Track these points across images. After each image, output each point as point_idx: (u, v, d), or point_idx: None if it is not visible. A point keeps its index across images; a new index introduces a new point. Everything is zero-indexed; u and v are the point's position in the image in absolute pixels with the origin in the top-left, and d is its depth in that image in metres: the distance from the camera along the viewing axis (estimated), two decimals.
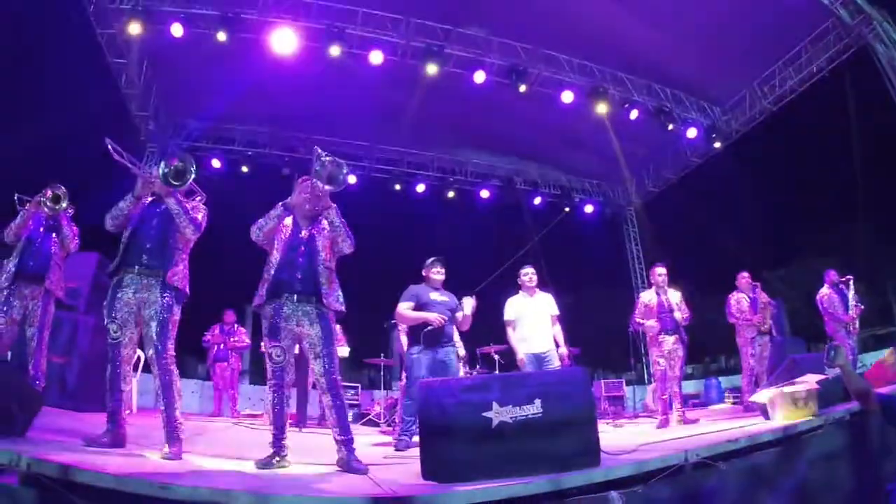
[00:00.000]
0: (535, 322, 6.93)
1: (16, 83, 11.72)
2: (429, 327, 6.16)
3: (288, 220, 4.59)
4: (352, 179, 14.43)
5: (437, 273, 6.55)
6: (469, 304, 6.52)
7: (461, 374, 8.73)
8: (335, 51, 10.64)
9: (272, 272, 4.40)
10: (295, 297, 4.33)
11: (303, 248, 4.47)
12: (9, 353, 5.62)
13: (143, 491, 2.89)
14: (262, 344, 4.46)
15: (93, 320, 7.89)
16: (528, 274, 7.22)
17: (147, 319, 4.34)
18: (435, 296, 6.43)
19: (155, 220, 4.59)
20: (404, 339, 8.29)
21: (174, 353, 4.42)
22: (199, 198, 4.96)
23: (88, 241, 6.47)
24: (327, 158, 4.50)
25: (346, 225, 4.56)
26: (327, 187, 4.46)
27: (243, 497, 2.94)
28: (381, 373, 10.84)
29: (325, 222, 4.59)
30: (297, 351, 4.52)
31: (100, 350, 7.80)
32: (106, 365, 4.37)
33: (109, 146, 4.68)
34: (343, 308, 4.51)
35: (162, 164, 4.59)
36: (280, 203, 4.63)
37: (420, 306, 6.32)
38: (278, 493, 3.07)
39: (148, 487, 2.90)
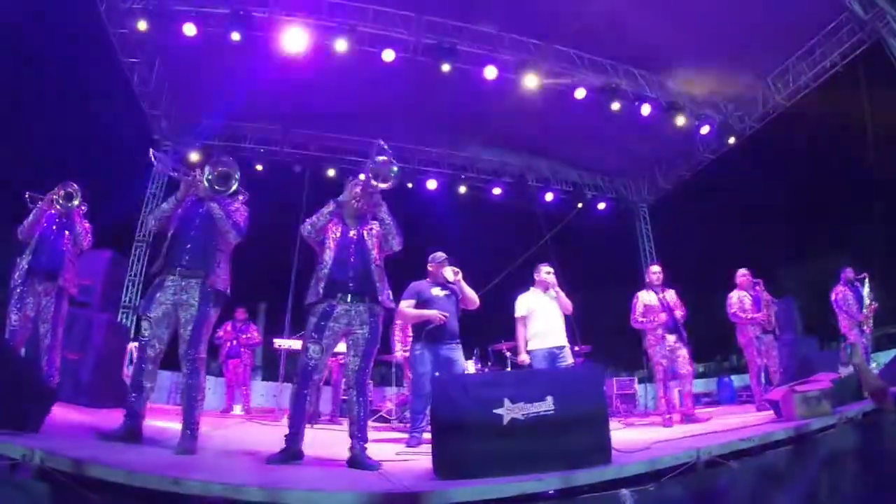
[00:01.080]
0: (549, 318, 6.91)
1: (28, 82, 11.80)
2: (430, 325, 6.16)
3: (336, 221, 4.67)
4: (363, 177, 14.41)
5: (444, 270, 6.53)
6: (450, 271, 6.51)
7: (471, 370, 8.75)
8: (346, 48, 10.64)
9: (325, 271, 4.46)
10: (349, 296, 4.39)
11: (353, 248, 4.54)
12: (23, 350, 5.66)
13: (156, 486, 2.90)
14: (279, 342, 4.51)
15: (106, 317, 7.94)
16: (550, 273, 7.18)
17: (184, 321, 4.39)
18: (437, 291, 6.42)
19: (197, 221, 4.65)
20: (398, 336, 8.28)
21: (205, 356, 4.46)
22: (241, 197, 4.99)
23: (101, 238, 6.51)
24: (382, 158, 4.56)
25: (395, 221, 4.63)
26: (380, 185, 4.51)
27: (255, 492, 2.95)
28: (393, 369, 10.85)
29: (372, 221, 4.67)
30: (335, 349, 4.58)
31: (113, 347, 7.89)
32: (122, 361, 4.42)
33: (153, 157, 4.75)
34: (393, 305, 4.60)
35: (207, 169, 4.64)
36: (332, 200, 4.70)
37: (422, 303, 6.32)
38: (290, 487, 3.08)
39: (160, 482, 2.91)
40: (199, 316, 4.41)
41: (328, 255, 4.51)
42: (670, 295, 7.94)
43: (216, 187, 4.62)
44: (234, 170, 4.71)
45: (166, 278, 4.46)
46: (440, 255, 6.59)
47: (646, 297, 7.97)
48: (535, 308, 7.00)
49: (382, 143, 4.64)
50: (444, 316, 6.16)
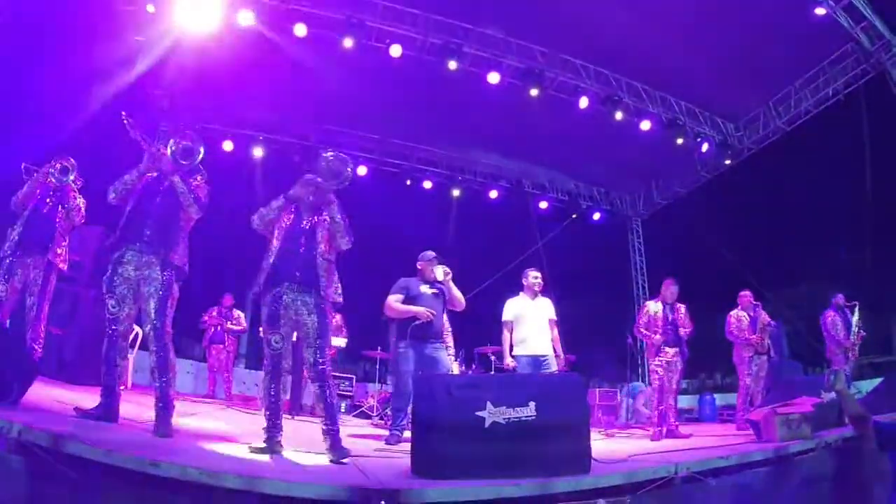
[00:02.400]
0: (535, 324, 6.92)
1: (31, 53, 11.72)
2: (416, 321, 6.12)
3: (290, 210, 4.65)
4: (361, 171, 14.45)
5: (433, 269, 6.52)
6: (441, 270, 6.50)
7: (455, 371, 8.74)
8: (352, 42, 10.63)
9: (271, 260, 4.45)
10: (295, 286, 4.37)
11: (303, 239, 4.51)
12: (7, 322, 5.63)
13: (133, 466, 2.89)
14: (261, 329, 4.49)
15: (94, 294, 7.90)
16: (537, 278, 7.20)
17: (146, 296, 4.36)
18: (425, 289, 6.39)
19: (158, 198, 4.61)
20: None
21: (171, 331, 4.44)
22: (200, 176, 4.96)
23: (94, 215, 6.47)
24: (330, 155, 4.56)
25: (346, 221, 4.61)
26: (330, 183, 4.50)
27: (232, 478, 2.95)
28: (377, 366, 10.84)
29: (325, 214, 4.62)
30: (294, 339, 4.55)
31: (99, 324, 7.82)
32: (103, 339, 4.39)
33: (124, 119, 4.71)
34: (341, 299, 4.58)
35: (171, 142, 4.62)
36: (282, 195, 4.68)
37: (409, 299, 6.28)
38: (267, 476, 3.07)
39: (138, 463, 2.90)
40: (162, 291, 4.39)
41: (275, 245, 4.50)
42: (681, 310, 7.97)
43: (179, 161, 4.61)
44: (198, 144, 4.70)
45: (125, 253, 4.43)
46: (430, 253, 6.59)
47: (653, 309, 7.97)
48: (522, 314, 7.01)
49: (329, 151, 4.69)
50: (431, 314, 6.15)
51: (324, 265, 4.46)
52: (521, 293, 7.22)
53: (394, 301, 6.31)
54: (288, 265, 4.41)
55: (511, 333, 7.03)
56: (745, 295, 9.04)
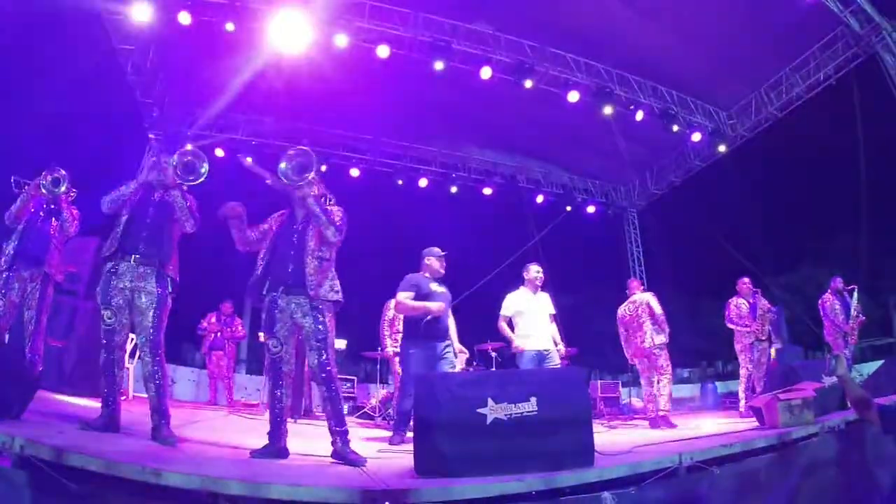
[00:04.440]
0: (537, 319, 6.89)
1: (20, 65, 11.69)
2: (429, 317, 6.02)
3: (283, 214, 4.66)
4: (354, 172, 14.48)
5: (442, 267, 6.43)
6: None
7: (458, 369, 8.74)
8: (342, 43, 10.60)
9: (264, 266, 4.45)
10: (289, 289, 4.34)
11: (294, 239, 4.46)
12: (6, 336, 5.62)
13: (136, 477, 2.88)
14: (261, 334, 4.47)
15: (91, 305, 7.88)
16: (539, 272, 7.15)
17: (142, 308, 4.37)
18: (435, 286, 6.29)
19: (151, 209, 4.61)
20: (387, 331, 8.15)
21: (163, 340, 4.44)
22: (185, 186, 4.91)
23: (89, 226, 6.45)
24: (290, 152, 4.51)
25: (327, 212, 4.46)
26: (295, 179, 4.44)
27: (236, 485, 2.94)
28: (378, 366, 10.84)
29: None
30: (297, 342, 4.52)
31: (97, 335, 7.82)
32: (101, 350, 4.39)
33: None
34: (338, 298, 4.45)
35: (175, 157, 4.60)
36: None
37: (421, 297, 6.15)
38: (271, 481, 3.06)
39: (141, 473, 2.89)
40: (157, 302, 4.41)
41: (264, 252, 4.50)
42: None
43: (181, 175, 4.59)
44: (200, 161, 4.68)
45: (119, 264, 4.44)
46: (437, 249, 6.48)
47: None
48: (524, 309, 6.97)
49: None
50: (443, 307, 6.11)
51: (314, 264, 4.35)
52: (521, 287, 7.17)
53: (405, 298, 6.13)
54: (279, 270, 4.39)
55: (508, 326, 6.98)
56: (744, 282, 9.04)
